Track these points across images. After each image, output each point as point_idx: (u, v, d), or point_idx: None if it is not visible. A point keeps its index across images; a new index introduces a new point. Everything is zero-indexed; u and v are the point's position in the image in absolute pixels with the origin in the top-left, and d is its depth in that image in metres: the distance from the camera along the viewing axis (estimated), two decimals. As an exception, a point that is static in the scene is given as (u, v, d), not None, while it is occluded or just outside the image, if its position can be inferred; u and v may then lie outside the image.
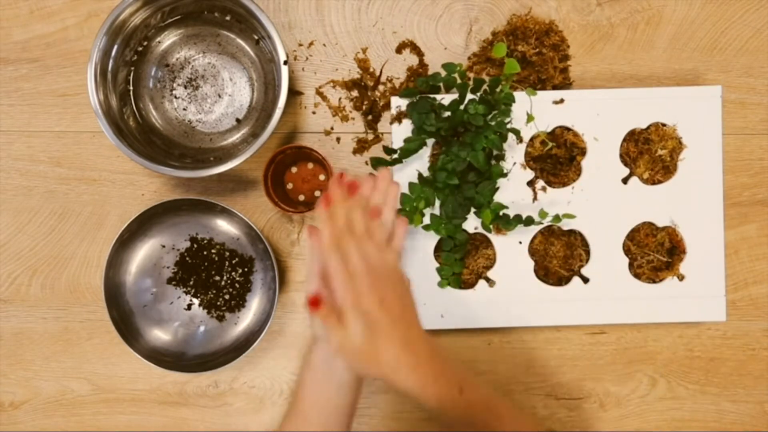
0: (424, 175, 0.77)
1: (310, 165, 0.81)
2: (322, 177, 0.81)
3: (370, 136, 0.81)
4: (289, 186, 0.81)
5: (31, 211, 0.83)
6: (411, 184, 0.76)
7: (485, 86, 0.75)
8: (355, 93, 0.81)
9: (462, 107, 0.75)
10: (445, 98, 0.76)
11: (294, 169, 0.81)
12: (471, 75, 0.81)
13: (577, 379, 0.82)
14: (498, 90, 0.73)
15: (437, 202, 0.77)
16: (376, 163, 0.76)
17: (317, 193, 0.81)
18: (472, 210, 0.77)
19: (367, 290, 0.55)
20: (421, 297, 0.77)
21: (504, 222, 0.75)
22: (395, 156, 0.75)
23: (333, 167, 0.78)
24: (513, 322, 0.78)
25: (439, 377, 0.57)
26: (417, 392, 0.56)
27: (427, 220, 0.76)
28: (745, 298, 0.82)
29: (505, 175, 0.76)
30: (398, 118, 0.78)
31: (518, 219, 0.74)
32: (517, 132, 0.75)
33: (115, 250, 0.76)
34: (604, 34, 0.81)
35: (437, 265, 0.78)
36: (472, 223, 0.78)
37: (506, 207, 0.76)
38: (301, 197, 0.81)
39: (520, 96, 0.75)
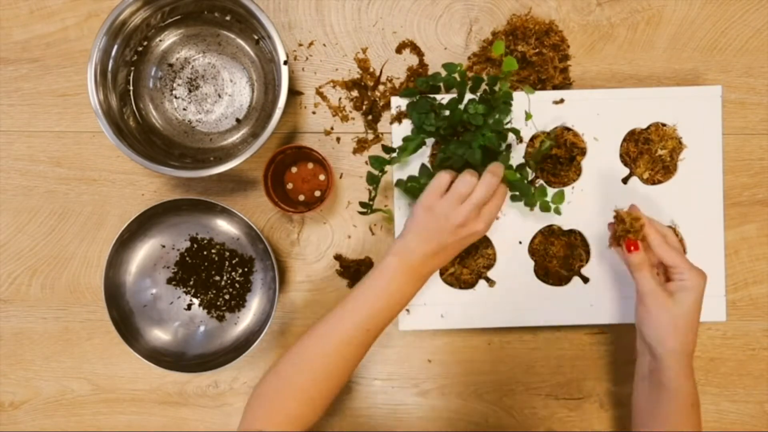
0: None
1: (310, 165, 0.81)
2: (322, 177, 0.81)
3: (370, 136, 0.81)
4: (289, 186, 0.81)
5: (31, 211, 0.83)
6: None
7: (485, 86, 0.75)
8: (355, 93, 0.81)
9: (461, 107, 0.75)
10: (446, 98, 0.76)
11: (294, 169, 0.81)
12: (471, 75, 0.81)
13: (577, 379, 0.82)
14: (497, 88, 0.73)
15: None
16: (375, 161, 0.76)
17: (317, 193, 0.81)
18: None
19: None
20: (420, 297, 0.78)
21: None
22: (394, 155, 0.75)
23: (333, 167, 0.78)
24: (513, 322, 0.78)
25: (690, 365, 0.68)
26: (673, 367, 0.67)
27: None
28: (745, 298, 0.82)
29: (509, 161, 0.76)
30: (398, 118, 0.78)
31: (516, 198, 0.75)
32: (516, 132, 0.75)
33: (115, 250, 0.76)
34: (604, 34, 0.81)
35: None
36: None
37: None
38: (301, 197, 0.81)
39: (520, 96, 0.75)
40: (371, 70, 0.81)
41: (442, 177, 0.70)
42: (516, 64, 0.71)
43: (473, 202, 0.67)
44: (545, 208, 0.75)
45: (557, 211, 0.76)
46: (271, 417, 0.65)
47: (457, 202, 0.68)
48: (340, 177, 0.81)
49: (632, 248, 0.68)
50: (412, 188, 0.75)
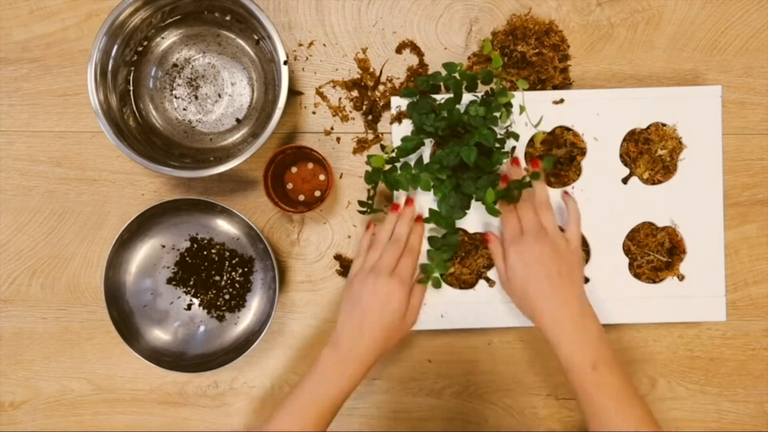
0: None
1: (310, 165, 0.81)
2: (322, 177, 0.81)
3: (370, 136, 0.81)
4: (289, 186, 0.81)
5: (31, 211, 0.83)
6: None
7: (486, 88, 0.75)
8: (355, 93, 0.81)
9: (461, 108, 0.75)
10: (446, 98, 0.76)
11: (294, 169, 0.81)
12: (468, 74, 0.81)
13: (577, 379, 0.82)
14: (492, 85, 0.73)
15: (435, 201, 0.77)
16: (374, 159, 0.76)
17: (317, 193, 0.81)
18: (474, 207, 0.77)
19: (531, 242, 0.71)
20: (421, 297, 0.78)
21: (509, 197, 0.74)
22: (392, 154, 0.75)
23: (333, 167, 0.78)
24: (513, 322, 0.78)
25: (575, 343, 0.67)
26: (553, 343, 0.68)
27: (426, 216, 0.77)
28: (745, 298, 0.82)
29: (504, 154, 0.75)
30: (398, 118, 0.78)
31: (517, 183, 0.73)
32: (516, 135, 0.75)
33: (115, 250, 0.76)
34: (604, 34, 0.81)
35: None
36: (474, 224, 0.78)
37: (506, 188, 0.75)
38: (301, 197, 0.81)
39: (520, 96, 0.75)
40: (371, 70, 0.81)
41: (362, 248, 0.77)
42: (500, 60, 0.72)
43: (368, 266, 0.74)
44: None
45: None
46: None
47: (367, 270, 0.73)
48: (340, 177, 0.81)
49: None
50: (392, 178, 0.75)
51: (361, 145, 0.81)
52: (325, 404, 0.68)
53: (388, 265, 0.72)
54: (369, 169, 0.75)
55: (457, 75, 0.75)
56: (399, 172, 0.75)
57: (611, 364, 0.66)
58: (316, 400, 0.68)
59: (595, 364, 0.65)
